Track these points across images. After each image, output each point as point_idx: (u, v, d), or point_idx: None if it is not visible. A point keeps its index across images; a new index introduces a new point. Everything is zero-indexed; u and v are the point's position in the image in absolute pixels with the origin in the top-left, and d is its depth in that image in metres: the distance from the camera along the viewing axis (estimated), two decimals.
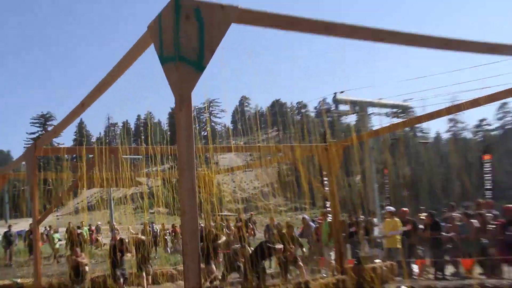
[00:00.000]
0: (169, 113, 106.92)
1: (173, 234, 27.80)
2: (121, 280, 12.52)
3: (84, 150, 12.31)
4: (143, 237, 14.67)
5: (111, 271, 12.84)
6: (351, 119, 31.49)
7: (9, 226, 26.44)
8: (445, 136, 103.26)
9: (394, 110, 30.40)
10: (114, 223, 29.43)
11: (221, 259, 16.73)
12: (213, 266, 14.09)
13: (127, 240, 13.69)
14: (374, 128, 21.95)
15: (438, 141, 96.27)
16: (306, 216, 18.99)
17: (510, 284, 11.46)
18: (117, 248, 12.91)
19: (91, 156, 12.20)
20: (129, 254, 13.11)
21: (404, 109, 30.09)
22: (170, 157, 14.44)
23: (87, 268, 12.85)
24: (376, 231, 18.36)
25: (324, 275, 14.49)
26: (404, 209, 16.97)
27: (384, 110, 30.20)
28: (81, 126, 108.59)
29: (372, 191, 24.77)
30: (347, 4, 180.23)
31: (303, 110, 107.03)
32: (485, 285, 11.66)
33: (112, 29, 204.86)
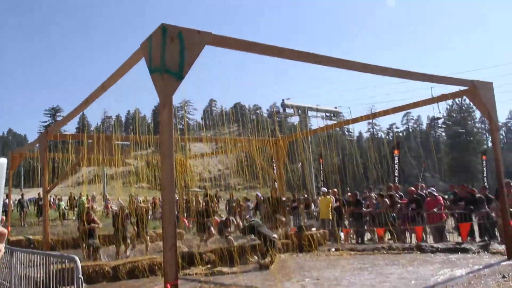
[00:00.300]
0: (152, 110, 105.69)
1: (153, 204, 27.59)
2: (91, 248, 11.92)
3: (85, 136, 12.32)
4: (144, 205, 14.48)
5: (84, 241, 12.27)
6: (295, 120, 31.73)
7: (22, 195, 25.84)
8: (365, 135, 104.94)
9: (328, 114, 30.77)
10: (107, 194, 29.17)
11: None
12: (212, 229, 14.02)
13: (126, 212, 13.23)
14: (312, 128, 22.15)
15: (360, 138, 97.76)
16: (258, 193, 19.03)
17: (410, 246, 11.69)
18: (87, 220, 12.26)
19: (90, 141, 12.19)
20: (97, 225, 12.51)
21: (335, 114, 30.46)
22: (152, 144, 14.39)
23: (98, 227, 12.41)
24: (313, 206, 18.55)
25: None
26: (335, 189, 17.21)
27: (320, 114, 30.54)
28: (83, 117, 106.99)
29: (310, 176, 25.03)
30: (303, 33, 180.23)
31: (258, 111, 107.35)
32: (392, 247, 11.87)
33: (117, 42, 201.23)
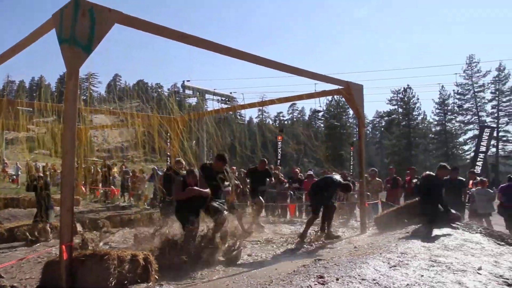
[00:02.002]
0: (58, 79, 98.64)
1: (53, 170, 26.12)
2: None
3: None
4: (41, 174, 13.37)
5: None
6: (193, 101, 31.66)
7: None
8: (255, 120, 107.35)
9: (223, 98, 31.15)
10: (5, 158, 27.27)
11: None
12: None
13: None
14: (208, 109, 22.27)
15: (250, 123, 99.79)
16: (155, 167, 18.84)
17: (285, 221, 12.28)
18: None
19: None
20: None
21: (230, 99, 30.91)
22: (55, 112, 13.57)
23: None
24: None
25: None
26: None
27: (216, 98, 30.83)
28: None
29: (203, 153, 25.26)
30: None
31: (159, 90, 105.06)
32: (269, 221, 12.45)
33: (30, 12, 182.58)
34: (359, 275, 4.60)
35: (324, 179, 9.46)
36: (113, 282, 4.20)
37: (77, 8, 4.74)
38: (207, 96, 29.37)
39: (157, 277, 5.13)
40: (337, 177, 9.27)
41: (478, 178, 12.95)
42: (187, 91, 28.70)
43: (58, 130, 13.54)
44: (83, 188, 18.07)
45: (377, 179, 14.21)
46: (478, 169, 20.75)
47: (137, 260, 4.63)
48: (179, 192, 6.71)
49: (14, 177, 26.03)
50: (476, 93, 61.69)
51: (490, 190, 11.69)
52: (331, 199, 9.03)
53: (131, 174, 19.00)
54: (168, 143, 15.39)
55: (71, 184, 4.75)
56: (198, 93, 26.24)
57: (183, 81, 28.63)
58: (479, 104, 61.66)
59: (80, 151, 15.33)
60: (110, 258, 4.22)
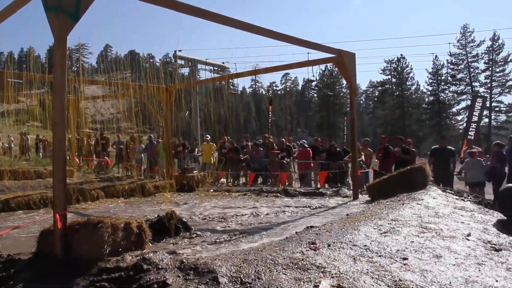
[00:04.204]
0: (47, 50, 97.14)
1: (46, 142, 26.00)
2: None
3: None
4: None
5: None
6: (185, 71, 31.43)
7: None
8: (248, 90, 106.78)
9: (216, 68, 30.92)
10: None
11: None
12: None
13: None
14: (200, 79, 22.10)
15: (243, 93, 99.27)
16: (151, 135, 18.82)
17: (277, 189, 12.41)
18: None
19: None
20: None
21: (222, 69, 30.69)
22: (46, 84, 13.40)
23: None
24: (196, 151, 18.83)
25: (157, 179, 14.64)
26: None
27: (209, 68, 30.59)
28: None
29: (195, 123, 25.22)
30: None
31: (151, 60, 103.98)
32: (262, 190, 12.57)
33: None
34: (350, 241, 4.67)
35: None
36: (107, 250, 4.23)
37: None
38: (199, 66, 29.17)
39: (150, 244, 5.19)
40: None
41: (476, 148, 13.01)
42: (179, 61, 28.48)
43: (49, 102, 13.41)
44: (77, 160, 18.06)
45: (369, 149, 14.32)
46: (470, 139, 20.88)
47: (131, 228, 4.67)
48: None
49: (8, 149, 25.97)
50: (469, 63, 61.60)
51: (482, 160, 11.81)
52: None
53: (125, 144, 18.99)
54: (161, 114, 15.32)
55: (63, 155, 4.72)
56: (190, 63, 26.01)
57: (175, 51, 28.42)
58: (473, 74, 61.60)
59: (73, 122, 15.23)
60: (103, 226, 4.24)
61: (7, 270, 4.29)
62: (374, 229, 5.32)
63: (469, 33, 61.38)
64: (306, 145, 15.33)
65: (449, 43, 65.15)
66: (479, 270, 4.21)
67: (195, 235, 6.36)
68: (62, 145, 4.75)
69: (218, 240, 5.97)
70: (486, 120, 55.99)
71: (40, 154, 26.07)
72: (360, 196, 10.20)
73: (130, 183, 12.38)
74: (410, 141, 14.20)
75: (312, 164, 14.63)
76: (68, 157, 15.18)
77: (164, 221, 6.34)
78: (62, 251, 4.24)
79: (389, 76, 70.83)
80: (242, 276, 3.45)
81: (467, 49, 61.61)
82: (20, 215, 8.95)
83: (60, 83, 4.73)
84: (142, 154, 18.34)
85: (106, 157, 19.85)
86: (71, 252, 4.23)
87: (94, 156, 20.03)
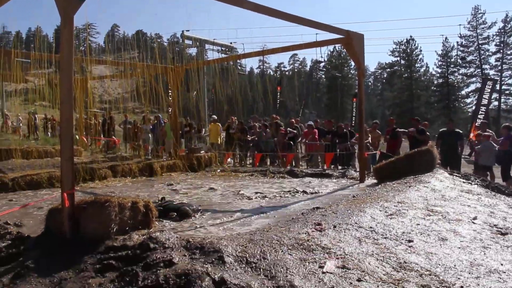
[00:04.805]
0: (55, 29, 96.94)
1: (54, 121, 26.16)
2: None
3: None
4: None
5: None
6: (193, 51, 31.27)
7: None
8: (256, 71, 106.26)
9: (223, 48, 30.73)
10: (5, 110, 27.22)
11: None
12: None
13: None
14: (208, 59, 22.00)
15: (251, 74, 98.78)
16: (159, 115, 18.83)
17: (284, 170, 12.41)
18: None
19: None
20: None
21: (230, 49, 30.50)
22: (53, 63, 13.37)
23: None
24: (203, 131, 18.83)
25: (164, 158, 14.69)
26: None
27: (216, 48, 30.41)
28: None
29: (203, 104, 25.20)
30: None
31: (158, 40, 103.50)
32: (269, 170, 12.58)
33: None
34: (356, 223, 4.68)
35: None
36: (114, 228, 4.26)
37: None
38: (206, 46, 28.99)
39: (157, 223, 5.23)
40: None
41: (489, 131, 12.82)
42: (187, 41, 28.31)
43: (57, 82, 13.41)
44: (85, 139, 18.16)
45: (377, 131, 14.25)
46: (478, 122, 20.66)
47: (138, 207, 4.69)
48: None
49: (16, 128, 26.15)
50: (480, 45, 60.62)
51: (493, 143, 11.69)
52: None
53: (131, 125, 19.02)
54: (170, 93, 15.29)
55: (70, 133, 4.73)
56: (197, 43, 25.86)
57: (182, 31, 28.24)
58: (483, 56, 60.68)
59: (80, 102, 15.27)
60: (111, 205, 4.26)
61: (16, 247, 4.35)
62: (380, 211, 5.32)
63: (480, 15, 60.26)
64: (313, 126, 15.23)
65: (460, 24, 63.95)
66: (485, 254, 4.21)
67: (201, 215, 6.40)
68: (69, 123, 4.76)
69: (224, 220, 6.01)
70: (496, 103, 55.36)
71: (49, 133, 26.25)
72: (366, 178, 10.18)
73: (137, 163, 12.45)
74: (427, 123, 14.22)
75: (319, 145, 14.60)
76: (76, 137, 15.28)
77: (171, 200, 6.38)
78: (70, 229, 4.28)
79: (398, 58, 69.96)
80: (247, 256, 3.47)
81: (478, 31, 60.59)
82: (29, 194, 9.06)
83: (67, 62, 4.71)
84: (150, 134, 18.38)
85: (113, 137, 19.93)
86: (78, 231, 4.27)
87: (102, 136, 20.12)
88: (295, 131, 14.87)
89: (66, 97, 4.70)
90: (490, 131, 12.97)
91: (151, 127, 18.39)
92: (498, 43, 59.27)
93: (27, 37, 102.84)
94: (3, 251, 4.33)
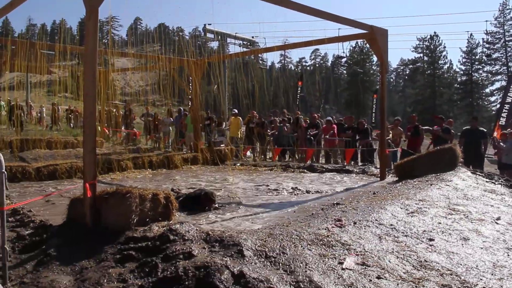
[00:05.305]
0: (78, 22, 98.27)
1: (76, 113, 26.52)
2: None
3: (9, 41, 11.21)
4: None
5: None
6: (215, 44, 31.32)
7: None
8: (277, 65, 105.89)
9: (245, 42, 30.67)
10: (30, 101, 27.72)
11: None
12: None
13: None
14: (229, 53, 21.97)
15: (272, 68, 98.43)
16: (181, 108, 18.90)
17: (304, 165, 12.35)
18: None
19: (13, 47, 11.17)
20: None
21: (251, 43, 30.42)
22: (77, 55, 13.55)
23: None
24: (224, 125, 18.85)
25: (184, 151, 14.76)
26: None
27: (238, 42, 30.38)
28: (6, 21, 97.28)
29: (224, 97, 25.23)
30: None
31: (180, 33, 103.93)
32: (289, 165, 12.54)
33: None
34: (376, 220, 4.62)
35: None
36: (135, 220, 4.31)
37: None
38: (228, 40, 28.96)
39: (177, 216, 5.26)
40: None
41: None
42: (209, 35, 28.35)
43: (80, 74, 13.59)
44: (106, 131, 18.38)
45: (399, 128, 14.06)
46: (502, 121, 20.20)
47: (158, 199, 4.72)
48: None
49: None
50: (507, 42, 59.19)
51: None
52: None
53: (152, 117, 19.17)
54: (190, 86, 15.34)
55: (93, 125, 4.78)
56: (219, 36, 25.83)
57: (204, 25, 28.28)
58: (509, 54, 59.27)
59: (103, 94, 15.44)
60: (132, 196, 4.30)
61: (39, 235, 4.43)
62: (401, 208, 5.25)
63: (508, 10, 58.84)
64: (332, 121, 15.10)
65: (486, 20, 62.56)
66: (508, 255, 4.11)
67: (221, 208, 6.42)
68: (93, 116, 4.81)
69: (243, 214, 6.01)
70: None
71: (71, 124, 26.64)
72: (387, 175, 10.05)
73: (158, 155, 12.55)
74: (451, 121, 13.98)
75: (337, 141, 14.47)
76: (98, 128, 15.47)
77: (192, 194, 6.41)
78: (91, 219, 4.34)
79: (421, 54, 68.90)
80: (267, 250, 3.46)
81: (505, 27, 59.18)
82: (51, 183, 9.21)
83: (91, 54, 4.75)
84: (170, 127, 18.49)
85: (134, 129, 20.12)
86: (100, 221, 4.33)
87: (123, 128, 20.34)
88: (317, 131, 14.75)
89: (90, 90, 4.75)
90: None
91: (171, 119, 18.49)
92: None
93: (51, 29, 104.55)
94: (26, 238, 4.42)
